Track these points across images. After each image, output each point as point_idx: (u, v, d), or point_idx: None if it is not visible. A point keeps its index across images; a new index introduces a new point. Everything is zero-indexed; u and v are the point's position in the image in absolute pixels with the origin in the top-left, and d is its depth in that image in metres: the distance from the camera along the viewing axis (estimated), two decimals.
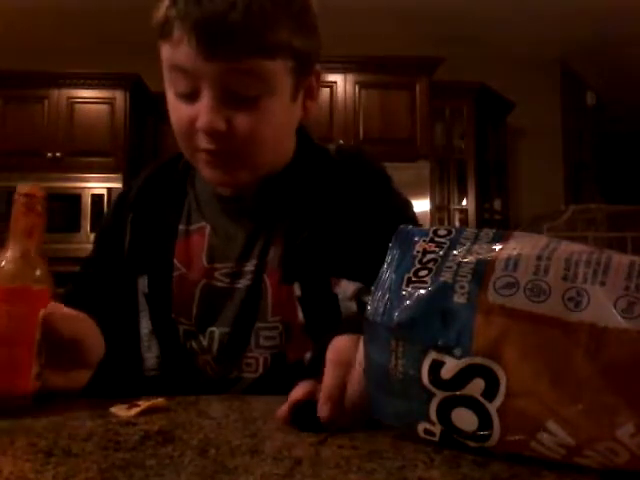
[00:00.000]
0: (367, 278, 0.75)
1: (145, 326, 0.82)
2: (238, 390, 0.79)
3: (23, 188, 0.60)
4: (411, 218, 0.85)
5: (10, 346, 0.58)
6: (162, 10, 0.71)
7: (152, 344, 0.82)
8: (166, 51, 0.72)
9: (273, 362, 0.78)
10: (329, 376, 0.56)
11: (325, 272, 0.78)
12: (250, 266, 0.80)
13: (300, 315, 0.77)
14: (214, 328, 0.80)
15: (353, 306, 0.77)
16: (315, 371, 0.59)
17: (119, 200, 0.92)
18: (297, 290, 0.77)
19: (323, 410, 0.54)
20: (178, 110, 0.75)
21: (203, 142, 0.74)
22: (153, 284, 0.82)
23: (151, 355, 0.82)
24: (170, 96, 0.76)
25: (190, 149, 0.77)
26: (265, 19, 0.69)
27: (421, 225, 0.78)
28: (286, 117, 0.78)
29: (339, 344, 0.58)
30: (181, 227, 0.84)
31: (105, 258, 0.88)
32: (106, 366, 0.72)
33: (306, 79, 0.79)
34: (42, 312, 0.60)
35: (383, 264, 0.51)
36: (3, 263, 0.60)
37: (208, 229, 0.83)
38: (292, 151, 0.85)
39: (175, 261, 0.82)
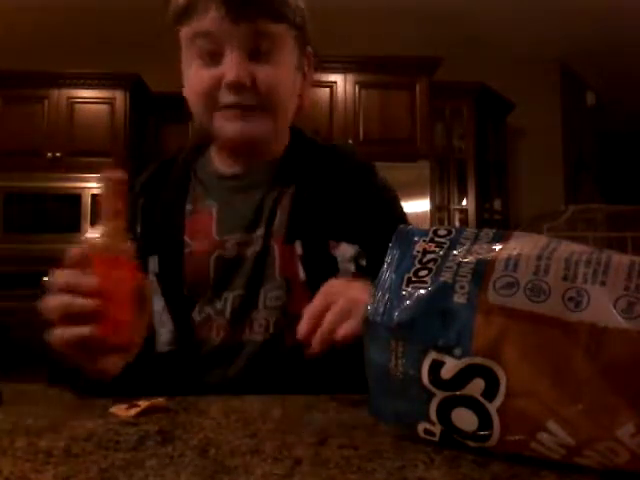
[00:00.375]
0: (362, 246, 0.85)
1: (158, 303, 0.85)
2: (251, 352, 0.82)
3: (111, 175, 0.66)
4: (395, 200, 0.97)
5: (111, 301, 0.63)
6: None
7: (165, 319, 0.84)
8: (187, 28, 0.83)
9: (281, 319, 0.83)
10: (313, 302, 0.67)
11: (324, 234, 0.85)
12: (259, 233, 0.86)
13: (301, 273, 0.83)
14: (228, 293, 0.85)
15: (351, 267, 0.84)
16: None
17: None
18: (299, 249, 0.84)
19: (300, 328, 0.65)
20: (200, 76, 0.84)
21: (228, 98, 0.83)
22: (164, 262, 0.86)
23: (165, 330, 0.84)
24: (190, 71, 0.85)
25: (210, 110, 0.85)
26: None
27: (400, 200, 0.97)
28: (293, 76, 0.89)
29: (330, 282, 0.70)
30: (188, 207, 0.90)
31: None
32: None
33: (303, 53, 0.92)
34: (138, 280, 0.67)
35: (383, 264, 0.51)
36: (98, 237, 0.66)
37: (216, 205, 0.89)
38: (287, 137, 0.95)
39: (186, 238, 0.87)
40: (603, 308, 0.41)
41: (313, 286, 0.78)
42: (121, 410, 0.60)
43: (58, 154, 3.74)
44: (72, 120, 3.81)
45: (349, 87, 3.91)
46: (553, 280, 0.43)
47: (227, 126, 0.85)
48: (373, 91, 3.91)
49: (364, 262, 0.84)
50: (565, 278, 0.43)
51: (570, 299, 0.42)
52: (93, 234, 0.65)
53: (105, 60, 3.98)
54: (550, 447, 0.42)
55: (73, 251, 0.65)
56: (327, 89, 3.87)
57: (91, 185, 3.68)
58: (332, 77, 3.86)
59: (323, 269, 0.82)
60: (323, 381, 0.74)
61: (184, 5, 0.82)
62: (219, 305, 0.84)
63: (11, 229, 3.65)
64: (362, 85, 3.92)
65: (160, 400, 0.63)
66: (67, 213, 3.65)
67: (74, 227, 3.64)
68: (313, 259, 0.84)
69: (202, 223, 0.88)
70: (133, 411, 0.59)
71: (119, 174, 0.66)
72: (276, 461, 0.44)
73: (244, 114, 0.84)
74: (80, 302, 0.62)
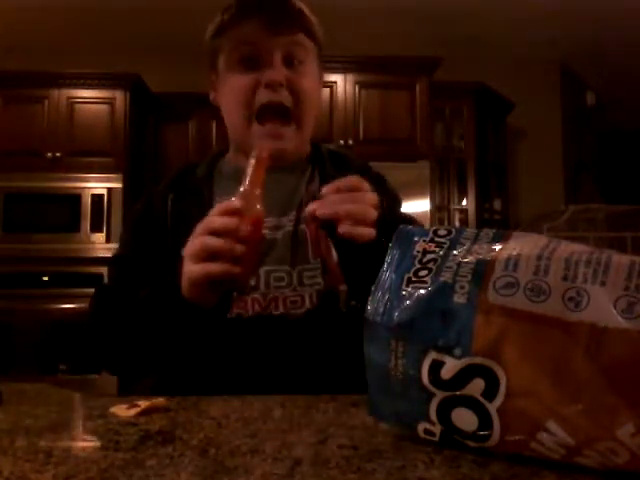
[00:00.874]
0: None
1: None
2: (287, 327, 0.87)
3: (260, 152, 0.77)
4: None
5: (247, 245, 0.71)
6: (229, 11, 0.93)
7: None
8: (228, 39, 0.94)
9: (315, 297, 0.88)
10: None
11: None
12: (290, 217, 0.94)
13: (334, 254, 0.86)
14: (261, 269, 0.89)
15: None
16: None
17: (146, 199, 1.01)
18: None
19: (311, 205, 0.74)
20: (240, 82, 0.93)
21: (265, 95, 0.92)
22: None
23: None
24: (229, 76, 0.95)
25: (247, 120, 0.94)
26: (307, 11, 0.96)
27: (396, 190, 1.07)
28: (317, 86, 1.01)
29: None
30: (217, 200, 0.94)
31: (143, 247, 0.94)
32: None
33: (320, 68, 1.01)
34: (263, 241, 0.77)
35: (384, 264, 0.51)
36: (239, 199, 0.73)
37: None
38: (309, 144, 1.03)
39: None
40: (603, 308, 0.41)
41: (345, 267, 0.84)
42: (121, 410, 0.60)
43: (58, 154, 3.74)
44: (72, 120, 3.80)
45: (349, 87, 3.90)
46: (553, 280, 0.43)
47: (259, 144, 0.90)
48: (373, 91, 3.91)
49: None
50: (565, 278, 0.43)
51: (570, 299, 0.42)
52: (235, 197, 0.74)
53: (105, 60, 3.98)
54: (550, 447, 0.42)
55: (225, 204, 0.73)
56: (327, 89, 3.86)
57: (91, 185, 3.68)
58: (332, 77, 3.86)
59: (354, 251, 0.83)
60: (323, 381, 0.74)
61: (229, 17, 0.93)
62: (252, 281, 0.88)
63: (11, 229, 3.64)
64: (362, 85, 3.91)
65: (160, 400, 0.63)
66: (67, 213, 3.65)
67: (74, 227, 3.64)
68: (344, 242, 0.85)
69: None
70: (133, 411, 0.59)
71: (264, 152, 0.77)
72: (276, 461, 0.44)
73: (277, 134, 0.93)
74: (236, 246, 0.70)
